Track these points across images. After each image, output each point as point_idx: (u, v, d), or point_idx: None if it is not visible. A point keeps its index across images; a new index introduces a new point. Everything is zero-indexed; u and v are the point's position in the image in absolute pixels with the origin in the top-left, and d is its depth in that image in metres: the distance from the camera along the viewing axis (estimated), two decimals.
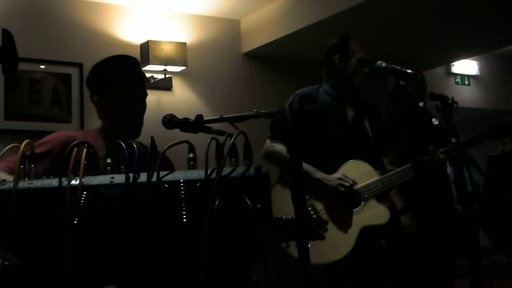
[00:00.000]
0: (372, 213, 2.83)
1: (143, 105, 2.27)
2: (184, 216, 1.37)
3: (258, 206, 1.34)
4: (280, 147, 2.77)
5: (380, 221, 2.82)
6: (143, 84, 2.30)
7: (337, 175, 2.84)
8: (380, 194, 2.88)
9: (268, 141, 2.92)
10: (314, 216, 2.81)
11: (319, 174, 2.83)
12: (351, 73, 2.99)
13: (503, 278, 4.56)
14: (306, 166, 2.80)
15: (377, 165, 2.95)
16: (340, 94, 3.01)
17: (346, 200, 2.82)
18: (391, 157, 3.42)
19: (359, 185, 2.85)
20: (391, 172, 2.92)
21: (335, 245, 2.71)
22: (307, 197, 2.80)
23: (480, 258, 2.38)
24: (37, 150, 2.03)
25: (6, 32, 1.44)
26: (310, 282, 1.42)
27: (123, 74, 2.24)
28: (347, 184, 2.80)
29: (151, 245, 1.42)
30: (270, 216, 1.39)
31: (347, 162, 2.88)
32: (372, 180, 2.88)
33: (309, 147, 2.85)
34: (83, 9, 4.80)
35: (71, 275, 1.34)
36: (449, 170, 3.92)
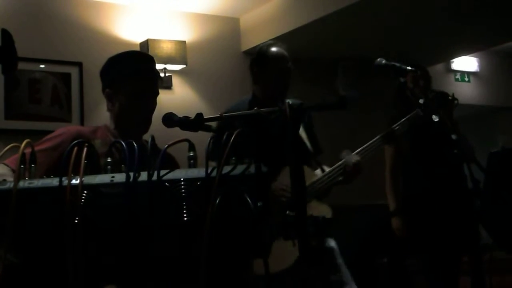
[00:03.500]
0: (315, 214, 2.73)
1: (152, 103, 2.27)
2: (185, 215, 1.37)
3: (258, 204, 1.34)
4: None
5: None
6: (156, 82, 2.30)
7: (277, 186, 2.71)
8: (321, 193, 2.78)
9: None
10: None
11: None
12: (273, 79, 2.95)
13: (504, 275, 4.57)
14: None
15: (315, 164, 2.85)
16: (262, 103, 2.80)
17: (286, 208, 2.73)
18: (395, 152, 3.44)
19: None
20: (328, 170, 2.81)
21: (282, 254, 2.50)
22: None
23: (481, 254, 2.39)
24: (47, 144, 2.06)
25: (5, 32, 1.44)
26: (310, 282, 1.42)
27: (137, 69, 2.25)
28: (283, 192, 2.69)
29: (151, 244, 1.42)
30: (270, 213, 1.39)
31: (283, 169, 2.70)
32: (310, 181, 2.76)
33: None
34: (82, 8, 4.80)
35: (71, 275, 1.34)
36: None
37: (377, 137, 2.92)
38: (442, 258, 3.58)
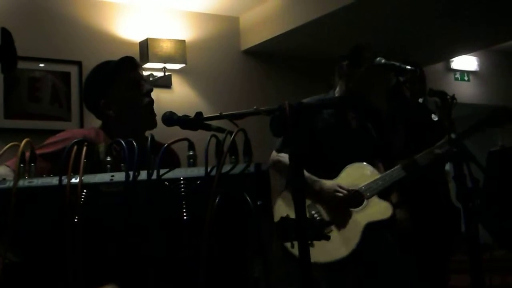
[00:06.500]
0: (375, 210, 2.92)
1: (143, 86, 2.25)
2: (185, 214, 1.37)
3: (258, 202, 1.34)
4: (285, 157, 2.80)
5: (383, 217, 2.91)
6: (136, 65, 2.30)
7: (333, 186, 2.90)
8: (382, 191, 2.95)
9: (273, 152, 2.99)
10: (318, 218, 2.87)
11: (317, 186, 2.89)
12: (358, 81, 3.03)
13: (504, 274, 4.57)
14: (306, 175, 2.84)
15: (388, 166, 3.02)
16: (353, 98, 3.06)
17: (348, 202, 2.90)
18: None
19: (361, 185, 2.93)
20: (390, 170, 2.98)
21: (340, 243, 2.79)
22: (309, 202, 2.85)
23: (481, 253, 2.38)
24: (51, 148, 2.01)
25: (5, 31, 1.44)
26: (310, 282, 1.42)
27: (124, 59, 2.24)
28: (341, 195, 2.87)
29: (151, 243, 1.42)
30: (270, 212, 1.39)
31: (348, 166, 2.96)
32: (373, 179, 2.95)
33: (316, 155, 2.89)
34: (82, 7, 4.80)
35: (71, 274, 1.34)
36: (448, 166, 3.93)
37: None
38: (428, 254, 3.62)
